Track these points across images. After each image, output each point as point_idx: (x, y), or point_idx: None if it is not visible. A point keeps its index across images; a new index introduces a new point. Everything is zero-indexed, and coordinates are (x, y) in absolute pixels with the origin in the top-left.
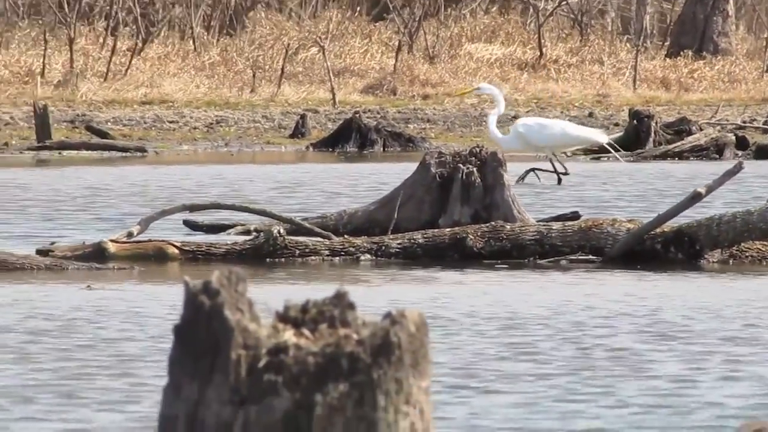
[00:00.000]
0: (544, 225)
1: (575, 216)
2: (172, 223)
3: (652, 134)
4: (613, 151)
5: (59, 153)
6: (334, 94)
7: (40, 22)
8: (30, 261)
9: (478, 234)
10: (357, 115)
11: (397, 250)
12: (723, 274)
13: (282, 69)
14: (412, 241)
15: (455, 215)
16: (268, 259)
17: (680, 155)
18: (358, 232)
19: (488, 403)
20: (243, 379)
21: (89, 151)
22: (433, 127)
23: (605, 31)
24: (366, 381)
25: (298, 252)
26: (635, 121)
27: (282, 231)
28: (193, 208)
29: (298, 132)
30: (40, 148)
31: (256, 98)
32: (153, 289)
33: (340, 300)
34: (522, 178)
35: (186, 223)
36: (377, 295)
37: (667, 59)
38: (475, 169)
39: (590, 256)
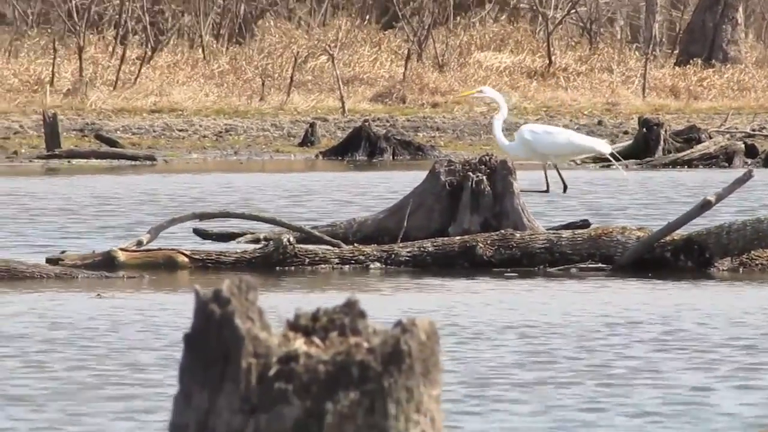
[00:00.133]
0: (553, 233)
1: (585, 224)
2: (181, 232)
3: (662, 142)
4: (614, 161)
5: (69, 162)
6: (343, 103)
7: (50, 30)
8: (40, 269)
9: (488, 242)
10: (366, 124)
11: (407, 258)
12: (733, 282)
13: (291, 77)
14: (422, 249)
15: (465, 223)
16: (277, 268)
17: (690, 163)
18: (368, 240)
19: (501, 412)
20: (253, 388)
21: (99, 160)
22: (443, 135)
23: (614, 40)
24: (377, 389)
25: (307, 260)
26: (645, 130)
27: (292, 239)
28: (202, 216)
29: (307, 140)
30: (50, 156)
31: (265, 107)
32: (163, 298)
33: (351, 308)
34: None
35: (196, 231)
36: (387, 304)
37: (677, 67)
38: (484, 177)
39: (600, 264)
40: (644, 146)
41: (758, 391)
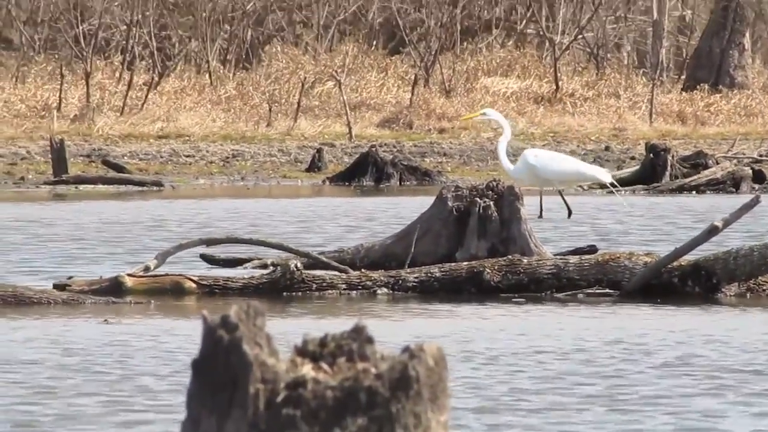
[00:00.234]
0: (560, 259)
1: (592, 250)
2: (189, 257)
3: (669, 168)
4: (614, 190)
5: (76, 187)
6: (350, 128)
7: (57, 56)
8: (47, 295)
9: (496, 268)
10: (373, 149)
11: (414, 283)
12: (741, 308)
13: (298, 103)
14: (429, 274)
15: (472, 249)
16: (285, 293)
17: (697, 189)
18: (375, 266)
19: None
20: (261, 414)
21: (106, 186)
22: (450, 160)
23: (621, 65)
24: (384, 415)
25: (315, 286)
26: (652, 155)
27: (299, 265)
28: (209, 242)
29: (314, 166)
30: (57, 182)
31: (272, 132)
32: (170, 324)
33: (359, 334)
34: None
35: (203, 257)
36: (395, 329)
37: (684, 93)
38: (491, 203)
39: (607, 290)
40: (651, 172)
41: None
